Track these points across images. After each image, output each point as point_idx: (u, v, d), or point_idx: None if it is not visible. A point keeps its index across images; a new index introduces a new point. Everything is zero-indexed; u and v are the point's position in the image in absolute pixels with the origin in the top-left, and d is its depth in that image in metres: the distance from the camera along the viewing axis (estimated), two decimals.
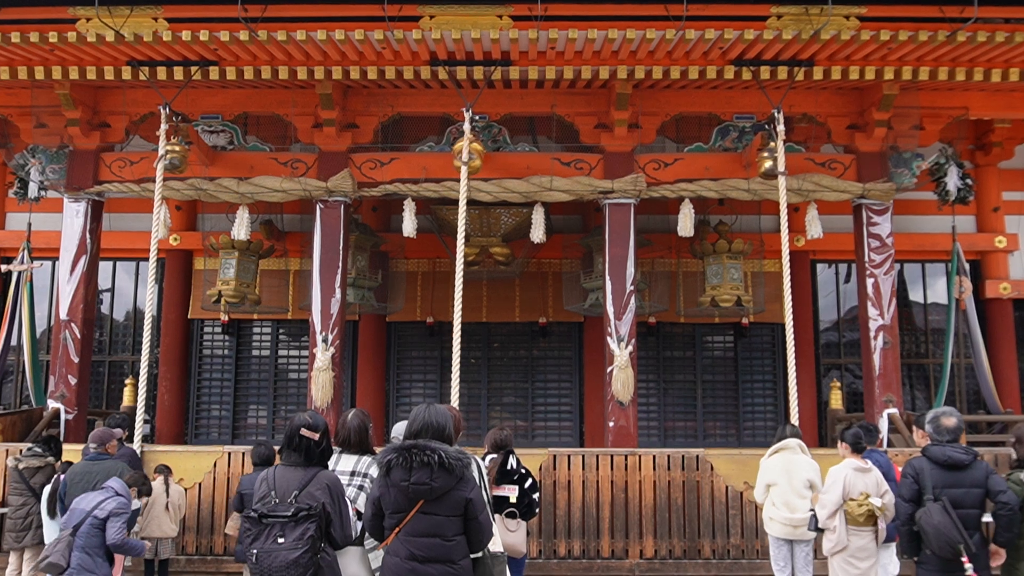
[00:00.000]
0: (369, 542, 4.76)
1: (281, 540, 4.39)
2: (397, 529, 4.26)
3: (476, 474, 4.80)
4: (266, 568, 4.38)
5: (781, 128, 9.13)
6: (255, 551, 4.41)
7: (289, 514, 4.42)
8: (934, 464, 5.47)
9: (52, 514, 7.46)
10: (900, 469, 7.33)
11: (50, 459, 8.04)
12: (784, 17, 8.60)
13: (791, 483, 7.26)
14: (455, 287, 8.69)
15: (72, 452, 8.36)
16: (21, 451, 8.20)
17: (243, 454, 8.92)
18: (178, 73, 9.30)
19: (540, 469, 8.82)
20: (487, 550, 4.49)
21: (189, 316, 13.32)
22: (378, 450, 4.74)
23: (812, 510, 6.95)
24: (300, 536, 4.39)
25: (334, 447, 5.10)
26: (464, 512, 4.29)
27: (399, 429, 5.35)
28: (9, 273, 11.73)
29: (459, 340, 8.52)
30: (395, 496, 4.27)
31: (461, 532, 4.30)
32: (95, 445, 7.28)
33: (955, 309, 11.66)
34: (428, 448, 4.25)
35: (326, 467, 4.74)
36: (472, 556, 4.39)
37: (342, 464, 4.96)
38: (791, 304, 8.99)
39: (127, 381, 12.33)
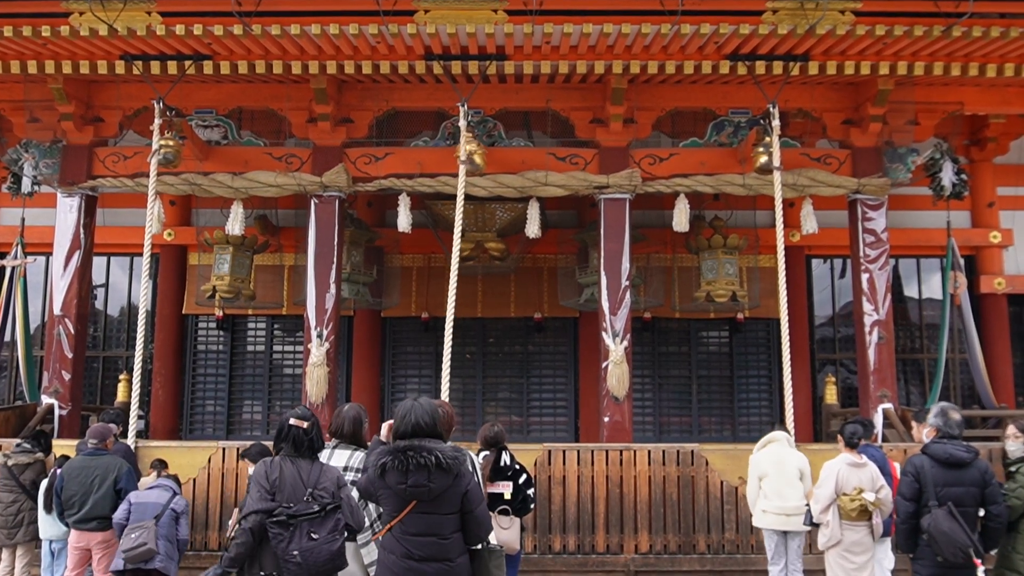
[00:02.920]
0: (362, 537, 4.76)
1: (316, 536, 4.41)
2: (390, 524, 4.22)
3: (469, 466, 4.78)
4: (312, 565, 4.38)
5: (776, 123, 9.14)
6: (295, 552, 4.39)
7: (315, 509, 4.45)
8: (935, 462, 5.47)
9: (48, 509, 7.44)
10: (895, 464, 7.40)
11: (39, 455, 8.02)
12: (779, 12, 8.61)
13: (782, 473, 7.35)
14: (450, 282, 8.67)
15: (67, 448, 8.32)
16: (11, 447, 8.16)
17: (238, 449, 8.91)
18: (172, 67, 9.27)
19: (535, 464, 8.81)
20: (485, 544, 4.45)
21: (183, 311, 13.28)
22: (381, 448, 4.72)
23: (807, 505, 6.98)
24: (334, 527, 4.46)
25: (328, 440, 5.10)
26: (460, 506, 4.24)
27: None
28: (2, 268, 11.68)
29: (451, 335, 8.49)
30: (390, 498, 4.23)
31: (458, 529, 4.26)
32: (94, 440, 7.28)
33: (950, 304, 11.66)
34: (424, 449, 4.17)
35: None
36: (470, 548, 4.36)
37: (335, 459, 4.95)
38: (786, 299, 9.00)
39: (121, 377, 12.28)
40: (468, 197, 9.48)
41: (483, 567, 4.40)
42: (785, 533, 7.39)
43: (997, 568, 5.95)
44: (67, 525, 7.17)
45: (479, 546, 4.42)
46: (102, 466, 7.09)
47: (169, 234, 12.92)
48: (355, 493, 4.76)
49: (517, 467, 6.59)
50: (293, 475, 4.57)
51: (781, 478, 7.33)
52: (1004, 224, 13.10)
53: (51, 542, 7.61)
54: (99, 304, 13.57)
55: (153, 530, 6.63)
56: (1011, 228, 13.09)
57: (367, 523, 4.80)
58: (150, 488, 7.10)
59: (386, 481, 4.21)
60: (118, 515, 6.83)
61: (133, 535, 6.61)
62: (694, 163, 10.21)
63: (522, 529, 6.68)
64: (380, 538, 4.34)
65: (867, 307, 10.04)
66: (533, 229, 10.18)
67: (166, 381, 13.04)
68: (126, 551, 6.55)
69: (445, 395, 8.26)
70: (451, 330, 8.52)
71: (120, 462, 7.18)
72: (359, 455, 4.98)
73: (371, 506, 4.79)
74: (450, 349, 8.45)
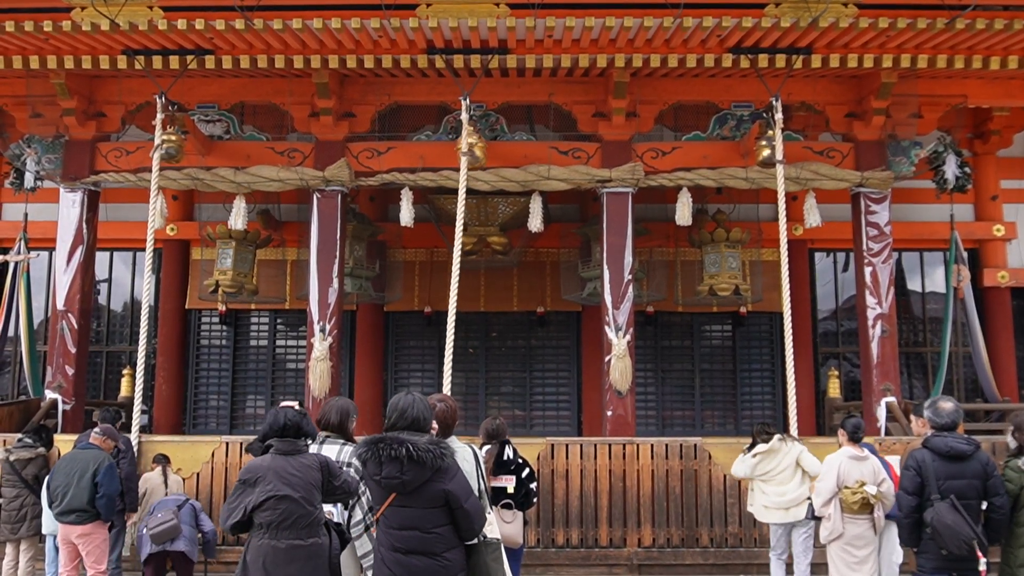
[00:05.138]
0: (355, 529, 4.79)
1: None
2: (375, 518, 4.25)
3: (473, 464, 4.77)
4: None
5: (779, 116, 9.11)
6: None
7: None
8: (936, 455, 5.45)
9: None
10: (889, 459, 7.43)
11: (41, 450, 8.03)
12: (782, 4, 8.56)
13: (780, 468, 7.45)
14: (452, 276, 8.67)
15: (70, 443, 8.32)
16: (14, 442, 8.17)
17: (241, 444, 8.92)
18: (174, 62, 9.26)
19: (538, 458, 8.83)
20: (481, 536, 4.40)
21: (186, 306, 13.30)
22: (359, 439, 4.73)
23: (809, 498, 7.01)
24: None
25: (319, 433, 5.13)
26: (446, 503, 4.18)
27: None
28: (6, 264, 11.70)
29: (453, 329, 8.50)
30: (373, 489, 4.26)
31: (444, 523, 4.19)
32: (99, 435, 7.39)
33: (953, 298, 11.65)
34: (396, 441, 4.12)
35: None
36: (467, 544, 4.32)
37: (324, 452, 4.97)
38: (789, 293, 8.98)
39: (124, 371, 12.32)
40: (470, 191, 9.51)
41: (480, 561, 4.34)
42: (790, 526, 7.48)
43: (1001, 566, 5.93)
44: None
45: (475, 540, 4.36)
46: (86, 459, 7.14)
47: (172, 229, 12.94)
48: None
49: (520, 461, 6.59)
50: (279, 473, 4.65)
51: (777, 472, 7.45)
52: (1008, 217, 13.06)
53: (54, 537, 7.62)
54: (102, 299, 13.58)
55: (176, 512, 7.10)
56: (1015, 221, 13.05)
57: (359, 515, 4.82)
58: (167, 499, 7.66)
59: (368, 472, 4.24)
60: (141, 526, 7.31)
61: (159, 515, 7.09)
62: (697, 157, 10.20)
63: (525, 523, 6.69)
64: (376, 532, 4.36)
65: (870, 300, 10.03)
66: (535, 223, 10.17)
67: (169, 376, 13.07)
68: (152, 529, 6.98)
69: (447, 389, 8.26)
70: (453, 324, 8.52)
71: (104, 457, 7.18)
72: (348, 449, 4.99)
73: (363, 499, 4.80)
74: (452, 343, 8.45)
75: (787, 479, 7.45)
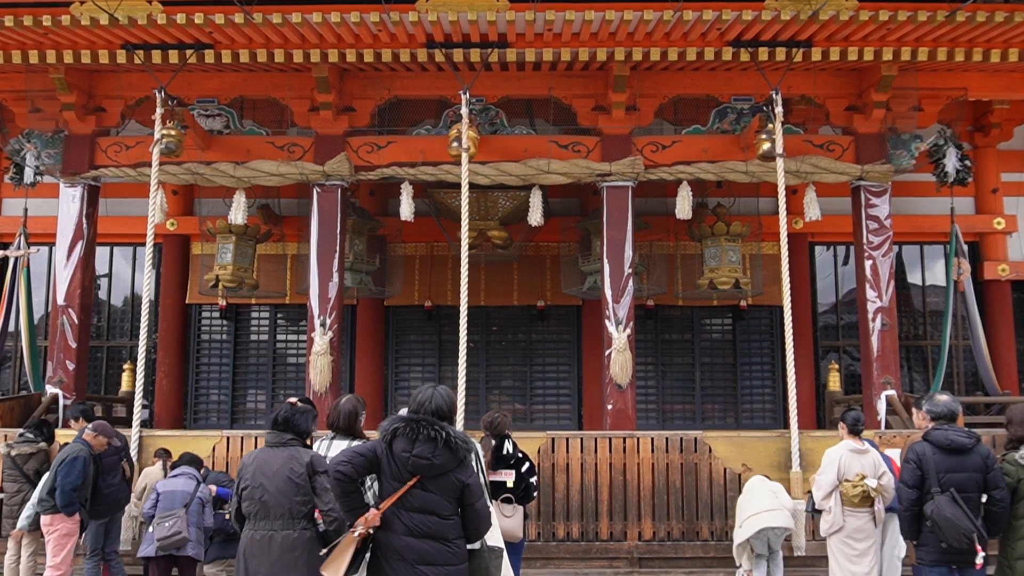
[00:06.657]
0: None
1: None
2: (392, 499, 4.19)
3: (474, 459, 4.77)
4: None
5: (779, 110, 9.11)
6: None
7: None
8: (936, 448, 5.46)
9: None
10: (889, 452, 7.44)
11: (42, 444, 8.06)
12: None
13: (765, 487, 7.59)
14: (460, 272, 8.70)
15: (70, 438, 8.33)
16: (15, 437, 8.19)
17: (242, 439, 8.93)
18: (173, 57, 9.26)
19: (539, 452, 8.83)
20: (484, 542, 4.42)
21: (187, 301, 13.29)
22: (368, 433, 4.75)
23: (809, 492, 7.03)
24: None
25: (326, 431, 5.14)
26: (460, 497, 4.23)
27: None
28: (6, 259, 11.69)
29: (465, 325, 8.53)
30: (394, 466, 4.22)
31: (456, 514, 4.25)
32: (91, 432, 7.41)
33: (953, 291, 11.64)
34: (436, 424, 4.22)
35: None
36: (468, 547, 4.32)
37: (334, 450, 4.99)
38: (789, 286, 8.99)
39: (125, 366, 12.33)
40: (471, 185, 9.50)
41: (481, 565, 4.38)
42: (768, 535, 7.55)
43: (999, 558, 5.95)
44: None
45: (478, 544, 4.38)
46: (63, 452, 7.29)
47: (172, 224, 12.92)
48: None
49: (520, 455, 6.61)
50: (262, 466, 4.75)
51: (767, 490, 7.56)
52: (1008, 210, 13.05)
53: None
54: (102, 294, 13.58)
55: (184, 518, 6.89)
56: (1015, 214, 13.04)
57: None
58: (175, 476, 7.33)
59: (394, 447, 4.22)
60: (146, 507, 7.12)
61: (167, 523, 6.86)
62: (697, 150, 10.19)
63: (525, 517, 6.71)
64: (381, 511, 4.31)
65: (870, 294, 10.03)
66: (536, 217, 10.17)
67: (170, 371, 13.06)
68: (160, 539, 6.80)
69: (462, 384, 8.27)
70: (465, 320, 8.56)
71: (74, 451, 7.27)
72: (357, 444, 5.01)
73: (369, 494, 4.79)
74: (464, 339, 8.50)
75: (769, 495, 7.55)
